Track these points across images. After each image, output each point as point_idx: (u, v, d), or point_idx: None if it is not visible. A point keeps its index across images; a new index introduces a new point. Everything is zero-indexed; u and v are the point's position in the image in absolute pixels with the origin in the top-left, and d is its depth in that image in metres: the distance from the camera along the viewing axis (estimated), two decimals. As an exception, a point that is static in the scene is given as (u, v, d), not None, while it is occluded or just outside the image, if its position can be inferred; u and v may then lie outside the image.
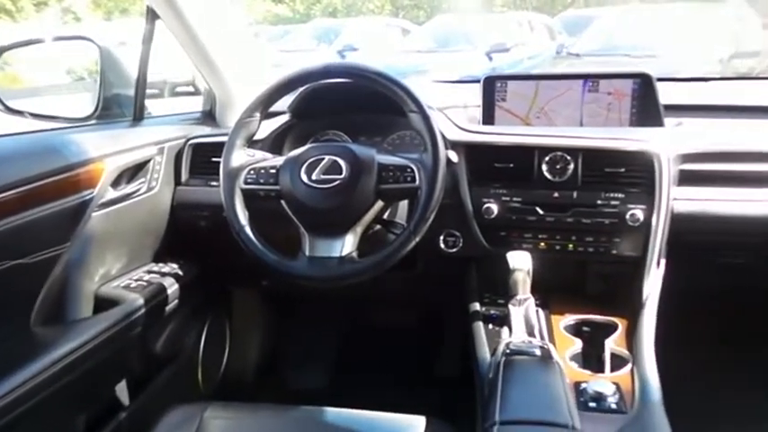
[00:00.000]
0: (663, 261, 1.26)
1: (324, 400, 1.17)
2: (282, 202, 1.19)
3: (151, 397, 1.46)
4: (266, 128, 1.43)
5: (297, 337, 2.03)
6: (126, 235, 1.40)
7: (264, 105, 1.23)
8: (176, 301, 1.46)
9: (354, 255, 1.16)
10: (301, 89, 1.39)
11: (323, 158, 1.16)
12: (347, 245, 1.15)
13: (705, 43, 5.78)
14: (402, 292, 1.75)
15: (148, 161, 1.43)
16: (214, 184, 1.42)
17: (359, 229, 1.17)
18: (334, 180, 1.14)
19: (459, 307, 1.36)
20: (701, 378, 1.52)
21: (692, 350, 1.46)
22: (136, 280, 1.42)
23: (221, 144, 1.24)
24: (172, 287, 1.44)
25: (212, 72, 1.57)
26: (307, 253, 1.16)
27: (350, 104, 1.43)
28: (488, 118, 1.50)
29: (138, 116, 1.52)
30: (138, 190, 1.41)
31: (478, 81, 1.51)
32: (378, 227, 1.26)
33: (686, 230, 1.26)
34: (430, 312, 1.89)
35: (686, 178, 1.28)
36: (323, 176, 1.15)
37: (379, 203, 1.17)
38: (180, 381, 1.61)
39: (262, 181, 1.20)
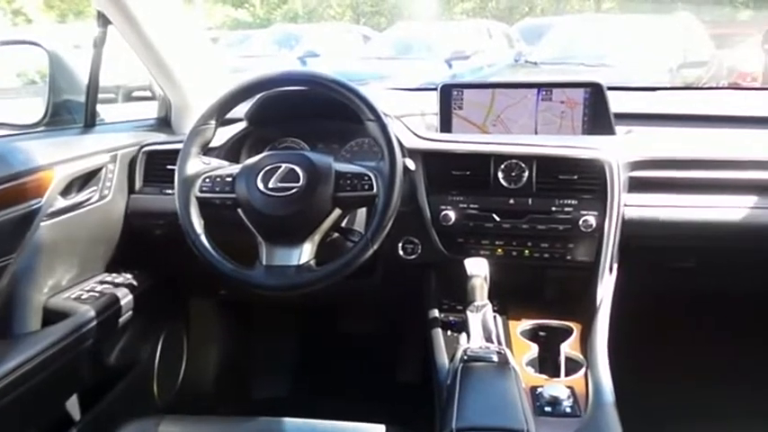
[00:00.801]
0: (615, 266, 1.30)
1: (285, 409, 1.16)
2: (239, 210, 1.17)
3: (104, 411, 1.42)
4: (223, 135, 1.41)
5: (257, 347, 2.01)
6: (77, 245, 1.36)
7: (220, 112, 1.22)
8: (130, 311, 1.42)
9: (312, 263, 1.15)
10: (258, 96, 1.37)
11: (279, 166, 1.15)
12: (305, 253, 1.15)
13: (655, 53, 5.98)
14: (363, 300, 1.75)
15: (100, 169, 1.40)
16: (169, 192, 1.40)
17: (316, 237, 1.16)
18: (291, 188, 1.13)
19: (419, 314, 1.37)
20: (654, 380, 1.57)
21: (644, 352, 1.50)
22: (87, 291, 1.38)
23: (176, 151, 1.22)
24: (125, 297, 1.40)
25: (167, 77, 1.55)
26: (264, 262, 1.15)
27: (308, 112, 1.43)
28: (445, 126, 1.52)
29: (90, 122, 1.48)
30: (89, 198, 1.37)
31: (435, 89, 1.53)
32: (336, 235, 1.26)
33: (637, 236, 1.30)
34: (391, 319, 1.89)
35: (636, 185, 1.32)
36: (280, 184, 1.14)
37: (337, 211, 1.17)
38: (134, 394, 1.57)
39: (218, 189, 1.18)
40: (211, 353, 1.92)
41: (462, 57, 6.91)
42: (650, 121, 1.54)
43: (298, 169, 1.14)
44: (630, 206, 1.31)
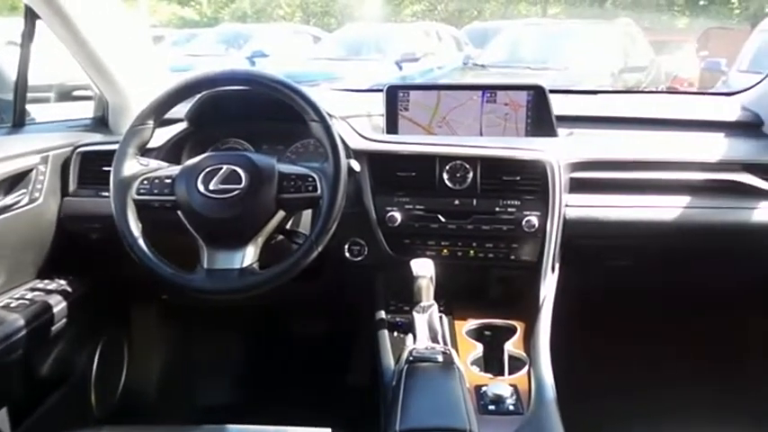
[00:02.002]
0: (557, 265, 1.32)
1: (230, 415, 1.13)
2: (179, 212, 1.14)
3: (37, 425, 1.35)
4: (162, 136, 1.37)
5: (202, 352, 1.95)
6: (5, 250, 1.30)
7: (158, 112, 1.18)
8: (64, 319, 1.36)
9: (255, 266, 1.13)
10: (199, 96, 1.34)
11: (221, 167, 1.13)
12: (248, 256, 1.13)
13: (599, 58, 6.18)
14: (311, 302, 1.73)
15: (30, 171, 1.33)
16: (105, 194, 1.34)
17: (260, 239, 1.14)
18: (233, 190, 1.11)
19: (367, 315, 1.36)
20: (594, 376, 1.60)
21: (585, 350, 1.53)
22: (17, 299, 1.31)
23: (112, 152, 1.18)
24: (59, 305, 1.34)
25: (103, 76, 1.49)
26: (205, 265, 1.12)
27: (252, 112, 1.40)
28: (392, 127, 1.52)
29: (19, 122, 1.41)
30: (18, 202, 1.31)
31: (382, 90, 1.52)
32: (280, 237, 1.24)
33: (577, 235, 1.33)
34: (340, 321, 1.88)
35: (577, 186, 1.35)
36: (221, 186, 1.12)
37: (281, 213, 1.16)
38: (70, 405, 1.50)
39: (156, 191, 1.15)
40: (154, 360, 1.86)
41: (412, 59, 6.96)
42: (591, 123, 1.57)
43: (240, 170, 1.12)
44: (571, 206, 1.33)
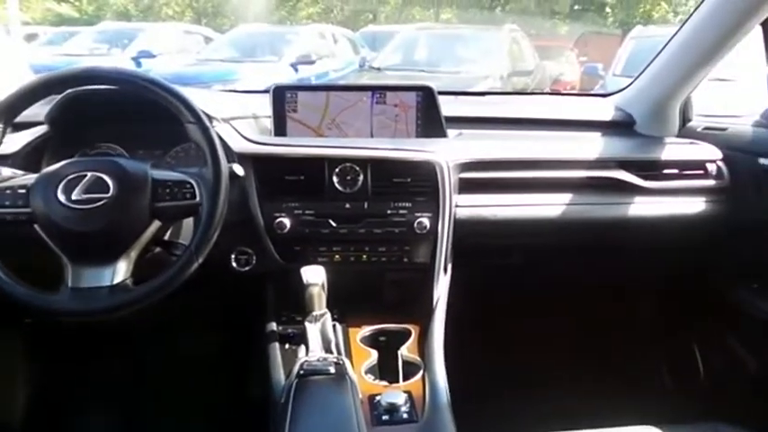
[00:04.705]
0: (449, 266, 1.32)
1: None
2: (36, 226, 1.02)
3: None
4: (17, 141, 1.23)
5: (79, 377, 1.78)
6: None
7: (9, 114, 1.06)
8: None
9: (129, 282, 1.04)
10: (61, 96, 1.21)
11: (85, 175, 1.03)
12: (119, 272, 1.03)
13: (488, 62, 6.43)
14: (199, 317, 1.63)
15: None
16: None
17: (133, 253, 1.05)
18: (99, 199, 1.01)
19: (259, 328, 1.29)
20: (488, 377, 1.63)
21: (479, 351, 1.55)
22: None
23: None
24: None
25: None
26: (70, 284, 1.02)
27: (125, 114, 1.29)
28: (280, 129, 1.46)
29: None
30: None
31: (267, 92, 1.46)
32: (158, 249, 1.15)
33: (468, 235, 1.34)
34: (232, 335, 1.79)
35: (467, 186, 1.36)
36: (85, 195, 1.01)
37: (156, 223, 1.07)
38: None
39: (8, 203, 1.02)
40: (18, 392, 1.67)
41: (308, 61, 6.90)
42: (480, 124, 1.60)
43: (106, 178, 1.03)
44: (462, 207, 1.34)
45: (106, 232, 1.02)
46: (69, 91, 1.19)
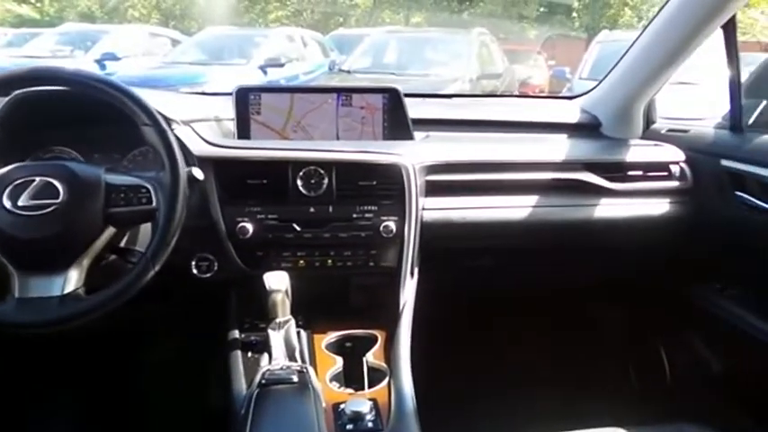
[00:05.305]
0: (416, 270, 1.31)
1: None
2: None
3: None
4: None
5: (35, 392, 1.71)
6: None
7: None
8: None
9: (81, 291, 1.00)
10: (8, 98, 1.16)
11: (33, 180, 0.99)
12: (70, 281, 0.99)
13: (458, 65, 6.46)
14: (161, 326, 1.58)
15: None
16: None
17: (85, 261, 1.01)
18: (49, 205, 0.97)
19: (221, 336, 1.26)
20: (461, 381, 1.61)
21: (450, 354, 1.54)
22: None
23: None
24: None
25: None
26: (17, 294, 0.97)
27: (80, 117, 1.24)
28: (243, 132, 1.42)
29: None
30: None
31: (231, 94, 1.43)
32: (113, 256, 1.11)
33: (435, 238, 1.32)
34: (195, 344, 1.74)
35: (433, 189, 1.35)
36: (33, 201, 0.97)
37: (111, 230, 1.03)
38: None
39: None
40: None
41: (277, 64, 6.84)
42: (448, 126, 1.59)
43: (56, 183, 0.99)
44: (428, 209, 1.32)
45: (56, 239, 0.97)
46: (18, 92, 1.14)
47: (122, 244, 1.13)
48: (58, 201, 0.97)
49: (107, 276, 1.03)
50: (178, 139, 1.10)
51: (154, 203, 1.02)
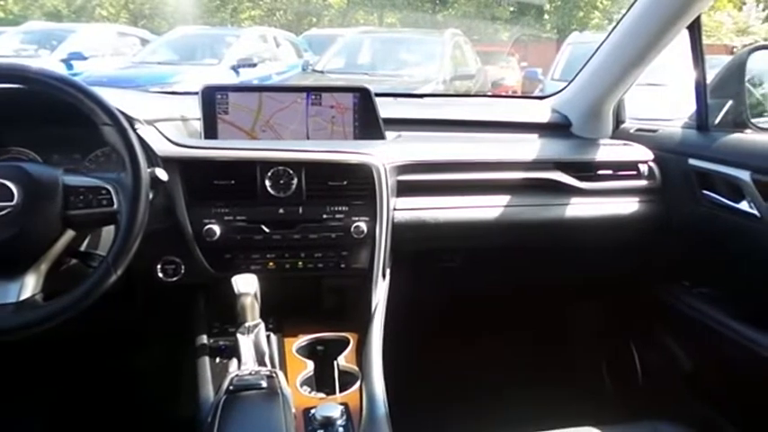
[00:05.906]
0: (388, 271, 1.29)
1: None
2: None
3: None
4: None
5: None
6: None
7: None
8: None
9: (38, 297, 0.96)
10: None
11: None
12: (27, 287, 0.95)
13: (432, 66, 6.48)
14: (127, 331, 1.54)
15: None
16: None
17: (43, 266, 0.98)
18: (2, 208, 0.93)
19: (189, 341, 1.22)
20: (434, 383, 1.60)
21: (424, 356, 1.52)
22: None
23: None
24: None
25: None
26: None
27: (39, 116, 1.20)
28: (210, 132, 1.39)
29: None
30: None
31: (197, 93, 1.39)
32: (74, 261, 1.07)
33: (407, 239, 1.31)
34: (162, 350, 1.70)
35: (405, 189, 1.34)
36: None
37: (70, 233, 1.00)
38: None
39: None
40: None
41: (249, 64, 6.78)
42: (420, 126, 1.58)
43: (10, 185, 0.95)
44: (400, 210, 1.31)
45: (10, 243, 0.94)
46: None
47: (83, 248, 1.09)
48: (13, 203, 0.94)
49: (68, 281, 0.99)
50: (140, 138, 1.07)
51: (115, 205, 0.99)
